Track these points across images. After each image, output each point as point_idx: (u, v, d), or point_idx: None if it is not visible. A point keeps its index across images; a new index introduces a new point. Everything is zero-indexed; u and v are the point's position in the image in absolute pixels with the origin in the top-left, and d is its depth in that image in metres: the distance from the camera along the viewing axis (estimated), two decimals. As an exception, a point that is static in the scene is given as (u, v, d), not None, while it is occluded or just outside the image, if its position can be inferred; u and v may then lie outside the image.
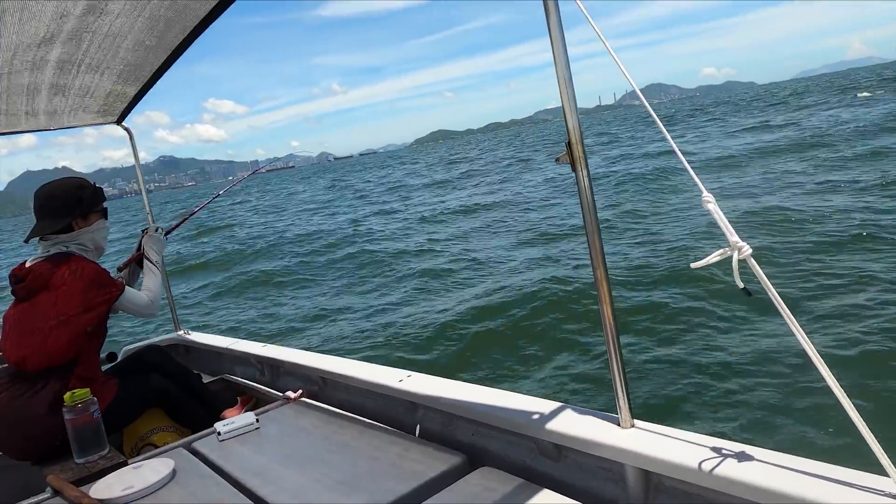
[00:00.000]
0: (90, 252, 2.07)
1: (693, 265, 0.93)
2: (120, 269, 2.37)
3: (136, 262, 2.37)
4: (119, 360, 2.44)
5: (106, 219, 2.18)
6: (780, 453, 0.99)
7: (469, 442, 1.57)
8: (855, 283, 5.80)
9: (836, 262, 6.58)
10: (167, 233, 2.49)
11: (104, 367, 2.25)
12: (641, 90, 1.03)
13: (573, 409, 1.34)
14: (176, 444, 1.90)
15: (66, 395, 1.74)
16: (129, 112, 2.93)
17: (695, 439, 1.09)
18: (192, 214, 2.80)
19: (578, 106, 1.15)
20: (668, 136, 1.01)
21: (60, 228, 2.01)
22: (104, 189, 2.29)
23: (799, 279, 6.19)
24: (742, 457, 1.00)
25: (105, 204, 2.18)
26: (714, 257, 0.92)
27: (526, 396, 1.48)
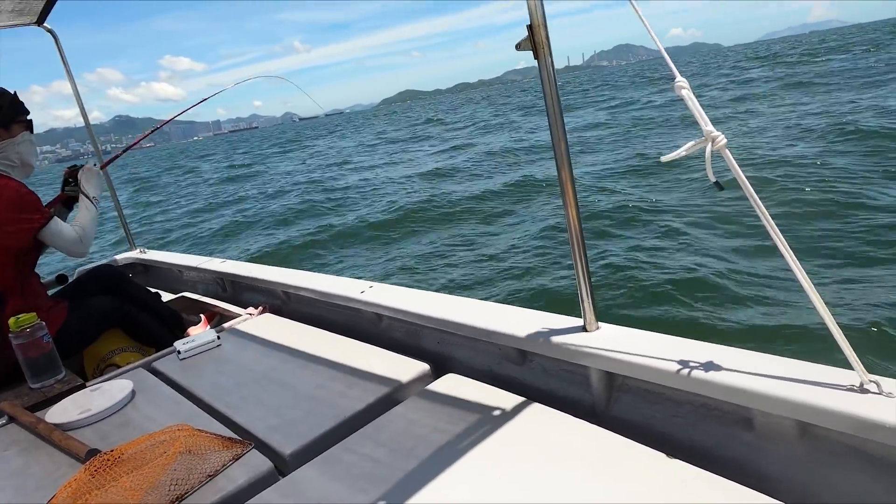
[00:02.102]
0: (16, 168, 1.90)
1: (664, 158, 0.85)
2: None
3: (62, 202, 2.14)
4: (70, 281, 2.33)
5: (31, 132, 1.98)
6: (746, 351, 0.97)
7: (435, 350, 1.56)
8: (830, 188, 5.77)
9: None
10: (103, 166, 2.29)
11: (53, 291, 2.14)
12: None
13: (538, 314, 1.31)
14: (136, 364, 1.85)
15: (11, 321, 1.65)
16: (50, 10, 2.62)
17: (659, 340, 1.07)
18: (129, 147, 2.71)
19: None
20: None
21: None
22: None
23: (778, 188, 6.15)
24: (708, 356, 0.98)
25: (30, 116, 1.97)
26: (686, 149, 0.84)
27: (489, 303, 1.45)
